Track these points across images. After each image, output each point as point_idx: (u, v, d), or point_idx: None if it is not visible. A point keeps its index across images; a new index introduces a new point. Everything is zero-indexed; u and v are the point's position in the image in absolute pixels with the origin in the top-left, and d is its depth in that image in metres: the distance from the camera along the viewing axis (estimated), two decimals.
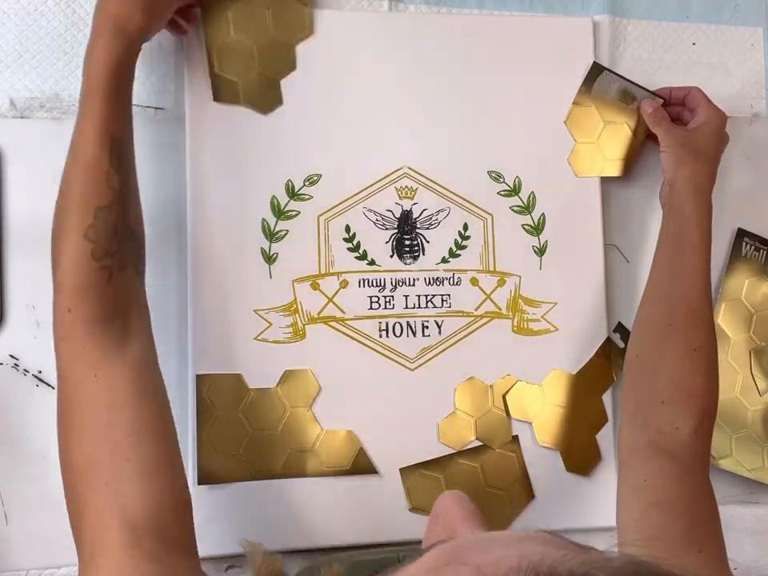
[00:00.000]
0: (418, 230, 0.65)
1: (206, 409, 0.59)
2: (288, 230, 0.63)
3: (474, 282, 0.65)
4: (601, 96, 0.68)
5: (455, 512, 0.31)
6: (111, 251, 0.47)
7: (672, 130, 0.64)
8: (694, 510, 0.50)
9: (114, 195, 0.48)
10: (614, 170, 0.68)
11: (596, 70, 0.68)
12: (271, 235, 0.63)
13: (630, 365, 0.60)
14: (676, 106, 0.68)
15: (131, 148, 0.53)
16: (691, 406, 0.54)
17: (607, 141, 0.68)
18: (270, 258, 0.62)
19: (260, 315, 0.62)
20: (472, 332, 0.65)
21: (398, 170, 0.65)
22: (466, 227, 0.66)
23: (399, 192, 0.65)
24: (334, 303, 0.63)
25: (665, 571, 0.22)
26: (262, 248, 0.62)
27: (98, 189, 0.48)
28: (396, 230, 0.65)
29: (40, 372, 0.60)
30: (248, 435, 0.60)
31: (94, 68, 0.51)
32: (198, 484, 0.59)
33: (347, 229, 0.64)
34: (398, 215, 0.65)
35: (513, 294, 0.66)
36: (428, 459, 0.63)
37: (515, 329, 0.66)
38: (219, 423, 0.59)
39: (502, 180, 0.67)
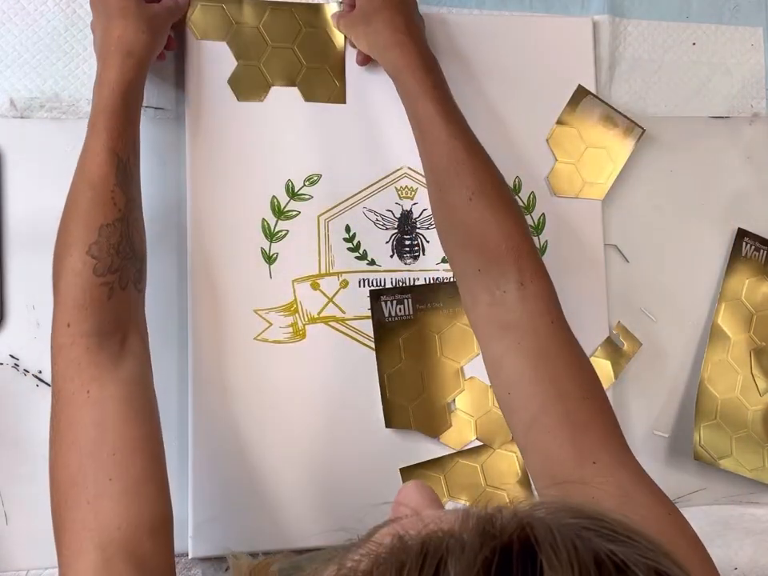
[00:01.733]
0: (418, 230, 0.65)
1: None
2: (288, 230, 0.63)
3: None
4: (584, 119, 0.68)
5: (417, 499, 0.31)
6: (113, 268, 0.48)
7: (347, 16, 0.62)
8: (568, 404, 0.45)
9: (119, 214, 0.49)
10: (592, 192, 0.68)
11: (581, 93, 0.68)
12: (271, 235, 0.63)
13: (440, 234, 0.57)
14: None
15: (137, 168, 0.54)
16: (501, 259, 0.50)
17: (587, 163, 0.68)
18: (270, 258, 0.63)
19: (260, 315, 0.62)
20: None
21: (398, 170, 0.65)
22: None
23: (399, 192, 0.65)
24: (333, 303, 0.63)
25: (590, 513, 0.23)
26: (262, 248, 0.62)
27: (103, 207, 0.48)
28: (396, 230, 0.65)
29: (40, 372, 0.60)
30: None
31: (104, 89, 0.52)
32: None
33: (347, 229, 0.64)
34: (398, 215, 0.65)
35: None
36: (428, 459, 0.63)
37: None
38: None
39: None
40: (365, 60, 0.64)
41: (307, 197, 0.64)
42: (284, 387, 0.61)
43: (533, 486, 0.64)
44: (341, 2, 0.64)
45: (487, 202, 0.52)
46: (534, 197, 0.67)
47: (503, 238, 0.51)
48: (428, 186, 0.58)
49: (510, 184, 0.66)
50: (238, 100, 0.63)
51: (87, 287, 0.47)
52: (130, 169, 0.51)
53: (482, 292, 0.51)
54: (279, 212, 0.63)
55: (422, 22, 0.63)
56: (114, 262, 0.48)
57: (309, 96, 0.64)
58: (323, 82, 0.65)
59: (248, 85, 0.63)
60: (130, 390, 0.46)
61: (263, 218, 0.63)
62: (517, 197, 0.67)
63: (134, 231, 0.51)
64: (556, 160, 0.68)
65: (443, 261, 0.65)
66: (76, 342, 0.46)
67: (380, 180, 0.65)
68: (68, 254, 0.48)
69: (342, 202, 0.64)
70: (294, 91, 0.64)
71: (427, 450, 0.63)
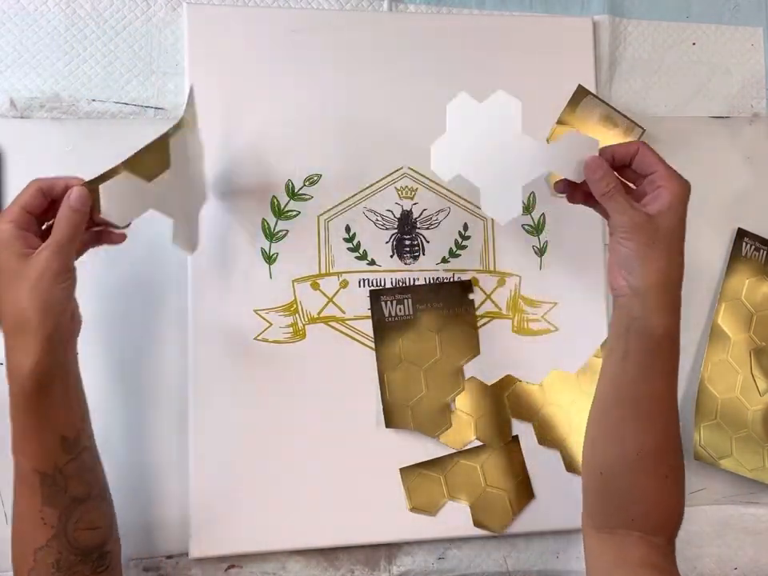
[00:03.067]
0: (418, 230, 0.65)
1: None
2: (288, 230, 0.63)
3: (474, 282, 0.65)
4: (584, 119, 0.68)
5: None
6: None
7: (630, 211, 0.49)
8: None
9: (52, 531, 0.47)
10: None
11: (581, 93, 0.68)
12: (271, 235, 0.63)
13: (591, 477, 0.53)
14: (622, 167, 0.53)
15: (77, 460, 0.49)
16: (665, 524, 0.51)
17: None
18: (270, 258, 0.63)
19: (260, 315, 0.62)
20: None
21: (398, 170, 0.65)
22: (466, 227, 0.66)
23: (399, 192, 0.65)
24: (334, 303, 0.63)
25: None
26: (262, 248, 0.62)
27: (33, 531, 0.47)
28: (396, 230, 0.65)
29: None
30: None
31: (10, 398, 0.47)
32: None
33: (347, 229, 0.64)
34: (398, 215, 0.65)
35: (513, 294, 0.66)
36: (428, 459, 0.63)
37: (515, 329, 0.66)
38: None
39: None
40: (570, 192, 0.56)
41: (307, 197, 0.64)
42: (284, 387, 0.61)
43: (533, 490, 0.64)
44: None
45: (677, 478, 0.52)
46: (534, 197, 0.67)
47: (677, 512, 0.52)
48: (617, 446, 0.52)
49: None
50: None
51: None
52: (61, 469, 0.47)
53: (621, 530, 0.51)
54: (279, 212, 0.63)
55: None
56: None
57: None
58: None
59: None
60: None
61: (263, 218, 0.63)
62: None
63: (79, 534, 0.48)
64: None
65: (443, 261, 0.65)
66: None
67: (380, 180, 0.65)
68: None
69: (342, 201, 0.64)
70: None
71: (427, 450, 0.63)
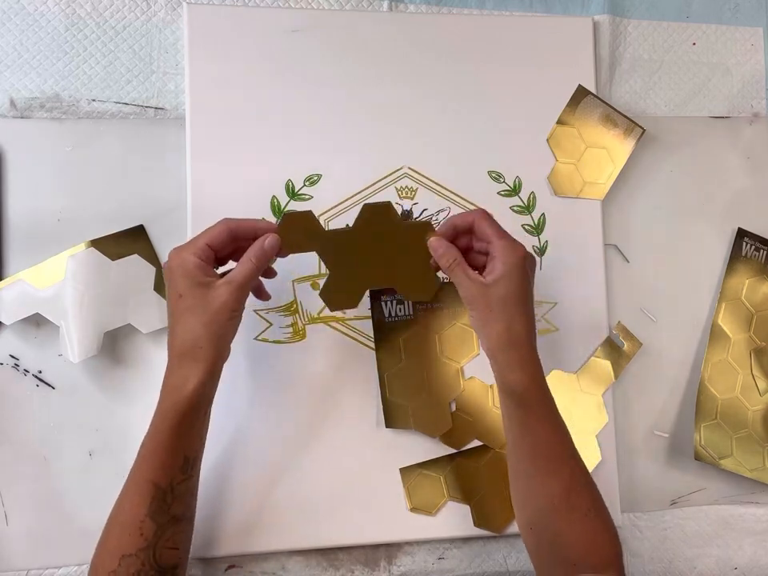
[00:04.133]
0: None
1: None
2: None
3: None
4: (584, 119, 0.68)
5: None
6: None
7: (467, 283, 0.51)
8: None
9: (145, 543, 0.48)
10: (592, 192, 0.68)
11: (581, 93, 0.68)
12: None
13: (526, 536, 0.54)
14: (465, 235, 0.55)
15: (187, 482, 0.51)
16: (606, 559, 0.51)
17: (587, 163, 0.68)
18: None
19: (260, 315, 0.62)
20: None
21: (398, 170, 0.65)
22: None
23: (399, 192, 0.65)
24: None
25: None
26: None
27: (128, 537, 0.48)
28: None
29: (40, 372, 0.60)
30: None
31: (157, 417, 0.50)
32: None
33: None
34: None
35: None
36: (428, 459, 0.63)
37: None
38: None
39: (502, 180, 0.67)
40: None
41: (307, 197, 0.64)
42: (284, 387, 0.61)
43: None
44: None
45: (596, 516, 0.52)
46: (534, 197, 0.67)
47: (610, 547, 0.52)
48: (530, 499, 0.53)
49: (510, 184, 0.67)
50: None
51: None
52: (173, 488, 0.50)
53: None
54: (279, 212, 0.63)
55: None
56: None
57: None
58: None
59: None
60: None
61: (263, 218, 0.63)
62: (517, 197, 0.67)
63: (164, 551, 0.50)
64: (556, 160, 0.68)
65: None
66: None
67: (380, 180, 0.65)
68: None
69: (342, 201, 0.64)
70: None
71: (427, 449, 0.63)
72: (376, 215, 0.54)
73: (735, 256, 0.71)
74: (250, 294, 0.55)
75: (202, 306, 0.49)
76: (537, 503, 0.53)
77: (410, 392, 0.63)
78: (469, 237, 0.55)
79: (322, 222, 0.64)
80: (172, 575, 0.50)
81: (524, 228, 0.67)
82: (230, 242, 0.51)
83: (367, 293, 0.63)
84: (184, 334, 0.49)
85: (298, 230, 0.53)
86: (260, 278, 0.57)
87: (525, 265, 0.51)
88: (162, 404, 0.50)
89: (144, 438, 0.50)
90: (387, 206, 0.53)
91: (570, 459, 0.53)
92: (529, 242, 0.66)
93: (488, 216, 0.53)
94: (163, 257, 0.62)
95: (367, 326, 0.63)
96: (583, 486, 0.52)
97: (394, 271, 0.55)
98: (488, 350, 0.52)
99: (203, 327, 0.49)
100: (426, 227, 0.54)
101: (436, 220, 0.65)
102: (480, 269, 0.54)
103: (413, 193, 0.65)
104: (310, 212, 0.53)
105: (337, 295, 0.55)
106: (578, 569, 0.50)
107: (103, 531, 0.50)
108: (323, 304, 0.63)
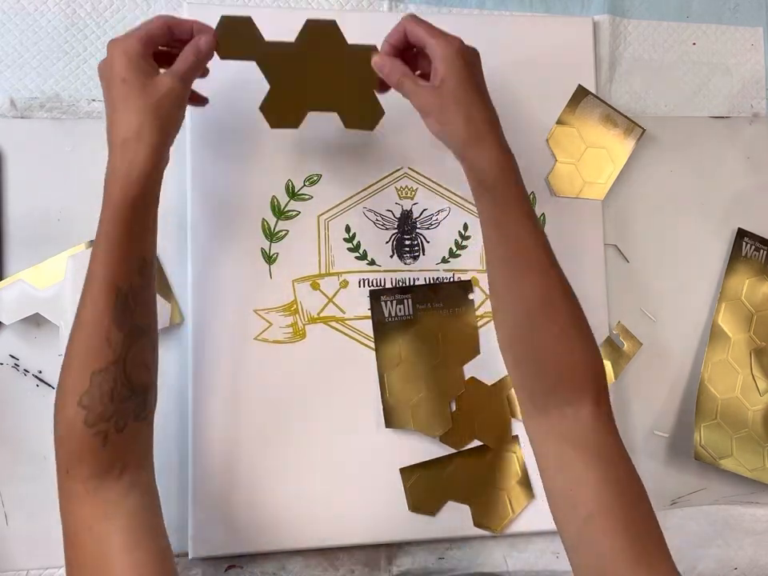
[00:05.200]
0: (418, 230, 0.65)
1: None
2: (288, 230, 0.63)
3: (475, 282, 0.65)
4: (584, 118, 0.68)
5: None
6: (106, 416, 0.46)
7: (418, 90, 0.52)
8: (631, 517, 0.47)
9: (114, 356, 0.46)
10: (592, 192, 0.68)
11: (581, 93, 0.68)
12: (271, 235, 0.63)
13: (506, 355, 0.54)
14: (408, 51, 0.55)
15: (148, 278, 0.49)
16: (588, 382, 0.50)
17: (587, 163, 0.68)
18: (270, 258, 0.63)
19: (260, 315, 0.62)
20: None
21: (398, 169, 0.65)
22: (466, 227, 0.66)
23: (399, 192, 0.65)
24: (333, 303, 0.63)
25: None
26: (262, 248, 0.62)
27: (96, 351, 0.46)
28: (396, 230, 0.65)
29: (40, 372, 0.60)
30: None
31: (106, 206, 0.47)
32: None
33: (347, 229, 0.64)
34: (398, 215, 0.65)
35: None
36: (428, 459, 0.63)
37: None
38: None
39: None
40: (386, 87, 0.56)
41: (307, 197, 0.64)
42: (284, 387, 0.61)
43: (533, 490, 0.64)
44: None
45: (577, 334, 0.51)
46: (534, 197, 0.67)
47: (588, 366, 0.51)
48: (509, 312, 0.52)
49: None
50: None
51: (80, 437, 0.45)
52: (133, 297, 0.47)
53: (553, 408, 0.50)
54: (279, 212, 0.63)
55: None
56: (108, 410, 0.46)
57: None
58: None
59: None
60: (135, 520, 0.46)
61: (263, 218, 0.63)
62: None
63: (134, 367, 0.47)
64: (556, 160, 0.68)
65: (443, 261, 0.65)
66: (76, 486, 0.46)
67: (380, 180, 0.65)
68: (62, 405, 0.46)
69: (342, 201, 0.64)
70: None
71: (427, 450, 0.63)
72: (322, 35, 0.54)
73: (735, 256, 0.71)
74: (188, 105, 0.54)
75: (148, 90, 0.48)
76: (514, 316, 0.52)
77: (409, 392, 0.63)
78: (412, 51, 0.54)
79: (322, 222, 0.64)
80: (143, 400, 0.48)
81: None
82: (168, 38, 0.51)
83: (367, 294, 0.63)
84: (129, 117, 0.47)
85: (237, 35, 0.53)
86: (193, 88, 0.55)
87: (464, 56, 0.51)
88: (109, 196, 0.47)
89: (95, 239, 0.47)
90: (333, 25, 0.54)
91: (550, 269, 0.51)
92: None
93: (415, 18, 0.53)
94: (163, 257, 0.62)
95: (367, 326, 0.63)
96: (562, 299, 0.51)
97: (339, 96, 0.55)
98: (455, 150, 0.51)
99: (150, 110, 0.47)
100: (370, 50, 0.54)
101: (436, 220, 0.65)
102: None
103: (413, 193, 0.65)
104: (249, 18, 0.53)
105: (277, 113, 0.55)
106: (558, 392, 0.50)
107: (66, 349, 0.47)
108: (323, 304, 0.63)
